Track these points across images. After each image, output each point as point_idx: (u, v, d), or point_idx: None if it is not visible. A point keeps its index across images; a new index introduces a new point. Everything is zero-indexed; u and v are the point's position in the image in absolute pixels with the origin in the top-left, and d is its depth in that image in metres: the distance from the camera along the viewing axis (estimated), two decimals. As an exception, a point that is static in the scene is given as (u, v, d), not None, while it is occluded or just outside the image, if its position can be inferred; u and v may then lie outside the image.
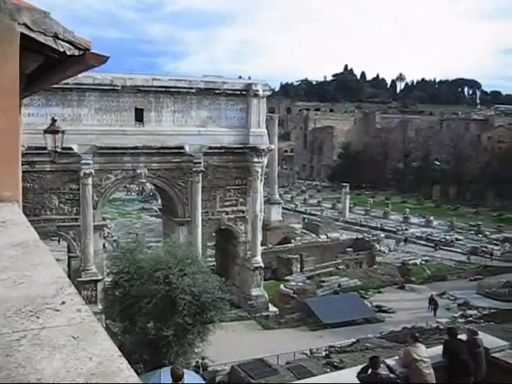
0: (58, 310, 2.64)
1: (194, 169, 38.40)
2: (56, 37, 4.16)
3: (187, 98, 38.77)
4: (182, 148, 37.97)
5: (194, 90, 38.62)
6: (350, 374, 10.27)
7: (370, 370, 9.57)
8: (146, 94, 37.59)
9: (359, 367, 11.07)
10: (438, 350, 11.02)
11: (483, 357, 10.72)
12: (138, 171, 37.57)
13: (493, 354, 11.06)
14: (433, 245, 68.31)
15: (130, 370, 2.09)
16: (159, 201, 54.31)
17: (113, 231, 69.40)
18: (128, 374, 2.05)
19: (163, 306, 21.18)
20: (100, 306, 32.34)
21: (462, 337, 11.11)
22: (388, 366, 10.01)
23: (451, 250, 67.00)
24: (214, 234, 44.62)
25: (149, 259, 22.63)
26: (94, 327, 2.47)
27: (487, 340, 11.52)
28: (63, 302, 2.73)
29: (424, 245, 68.92)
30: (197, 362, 25.43)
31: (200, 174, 38.68)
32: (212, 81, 40.37)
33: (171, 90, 38.12)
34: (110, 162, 36.72)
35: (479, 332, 11.60)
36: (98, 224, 37.01)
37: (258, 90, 40.26)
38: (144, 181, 40.19)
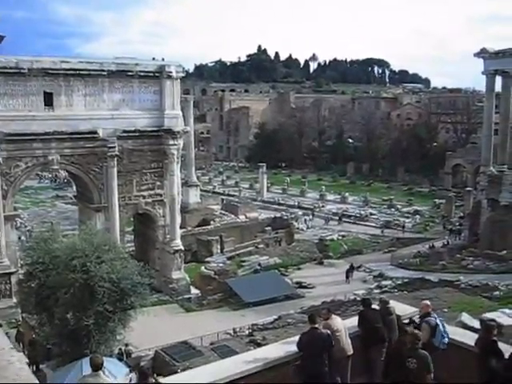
0: None
1: (109, 153, 37.54)
2: None
3: (99, 80, 37.72)
4: (95, 132, 37.01)
5: (105, 73, 37.63)
6: (272, 350, 10.51)
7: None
8: (55, 77, 36.18)
9: (280, 342, 11.39)
10: (354, 320, 11.48)
11: (395, 324, 11.27)
12: (50, 158, 36.27)
13: (404, 321, 11.67)
14: (337, 218, 71.03)
15: (21, 363, 2.08)
16: (74, 188, 52.80)
17: (26, 221, 66.80)
18: (19, 367, 2.04)
19: (81, 295, 20.75)
20: (15, 300, 31.28)
21: (376, 306, 11.64)
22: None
23: (366, 225, 69.54)
24: (132, 219, 43.99)
25: (64, 248, 22.04)
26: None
27: (399, 308, 12.12)
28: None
29: (338, 220, 71.04)
30: (120, 349, 25.13)
31: (115, 159, 37.88)
32: (124, 63, 39.43)
33: (82, 72, 36.92)
34: (19, 149, 35.18)
35: (391, 301, 12.19)
36: (8, 214, 35.51)
37: (171, 72, 39.75)
38: (56, 167, 38.82)
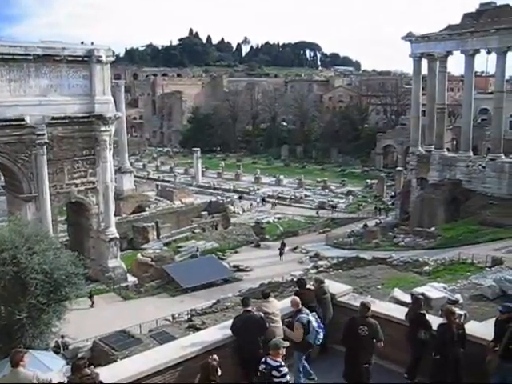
0: None
1: (38, 141, 36.38)
2: None
3: (24, 65, 36.30)
4: (22, 120, 35.70)
5: (31, 57, 36.21)
6: (210, 334, 10.59)
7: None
8: (-24, 62, 34.62)
9: (218, 326, 11.49)
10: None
11: (330, 302, 11.58)
12: (-26, 147, 34.79)
13: (338, 299, 12.00)
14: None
15: None
16: (1, 177, 50.90)
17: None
18: None
19: (13, 288, 20.10)
20: None
21: (311, 286, 11.89)
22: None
23: (301, 207, 70.59)
24: (64, 208, 42.95)
25: (-7, 240, 21.23)
26: None
27: (333, 286, 12.45)
28: None
29: (272, 202, 71.75)
30: (56, 341, 24.62)
31: (44, 147, 36.75)
32: (51, 47, 38.05)
33: (5, 57, 35.38)
34: None
35: (326, 280, 12.49)
36: None
37: (101, 56, 38.81)
38: (-19, 157, 37.24)
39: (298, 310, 10.33)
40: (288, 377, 8.82)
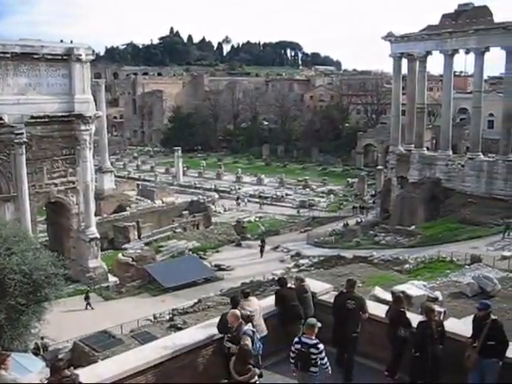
0: None
1: (16, 140, 35.98)
2: None
3: (2, 63, 35.89)
4: (0, 119, 35.29)
5: (9, 55, 35.80)
6: (191, 333, 10.57)
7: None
8: (-47, 59, 34.14)
9: (199, 325, 11.48)
10: (272, 299, 11.73)
11: (311, 300, 11.60)
12: (-50, 146, 34.32)
13: (319, 297, 12.05)
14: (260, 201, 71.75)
15: None
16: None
17: None
18: None
19: (-10, 289, 19.85)
20: None
21: (292, 285, 11.93)
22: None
23: (283, 205, 70.70)
24: (44, 208, 42.55)
25: (-30, 241, 20.93)
26: None
27: (314, 285, 12.50)
28: None
29: (257, 202, 71.79)
30: (36, 343, 24.37)
31: (23, 146, 36.37)
32: (30, 45, 37.67)
33: (-18, 55, 35.02)
34: None
35: (307, 279, 12.53)
36: None
37: (80, 55, 38.51)
38: (-42, 156, 36.76)
39: (240, 324, 9.70)
40: (325, 353, 9.19)
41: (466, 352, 9.50)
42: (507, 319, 17.76)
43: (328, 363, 9.26)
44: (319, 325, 9.38)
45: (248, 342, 9.11)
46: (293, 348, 9.29)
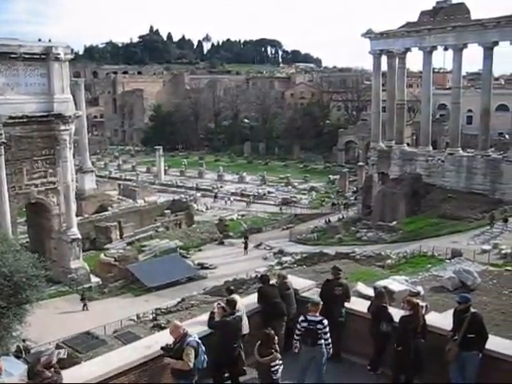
0: None
1: (-6, 141, 35.56)
2: None
3: (-23, 63, 35.48)
4: (-22, 119, 34.89)
5: (-15, 55, 35.41)
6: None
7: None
8: None
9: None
10: (254, 297, 11.74)
11: (293, 297, 11.65)
12: None
13: (302, 294, 12.09)
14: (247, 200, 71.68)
15: None
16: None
17: None
18: None
19: (-30, 291, 19.63)
20: None
21: (274, 282, 11.95)
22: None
23: (265, 203, 70.75)
24: (24, 209, 42.13)
25: (-51, 244, 20.69)
26: None
27: (296, 282, 12.53)
28: None
29: (239, 200, 71.81)
30: (17, 346, 24.12)
31: (2, 147, 35.97)
32: (6, 44, 37.18)
33: (-42, 54, 34.55)
34: None
35: (289, 276, 12.57)
36: None
37: (59, 54, 38.18)
38: None
39: (184, 335, 8.96)
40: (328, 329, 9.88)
41: (447, 345, 9.61)
42: (487, 312, 18.03)
43: (330, 340, 9.93)
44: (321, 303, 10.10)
45: (190, 354, 8.74)
46: (299, 326, 9.89)
